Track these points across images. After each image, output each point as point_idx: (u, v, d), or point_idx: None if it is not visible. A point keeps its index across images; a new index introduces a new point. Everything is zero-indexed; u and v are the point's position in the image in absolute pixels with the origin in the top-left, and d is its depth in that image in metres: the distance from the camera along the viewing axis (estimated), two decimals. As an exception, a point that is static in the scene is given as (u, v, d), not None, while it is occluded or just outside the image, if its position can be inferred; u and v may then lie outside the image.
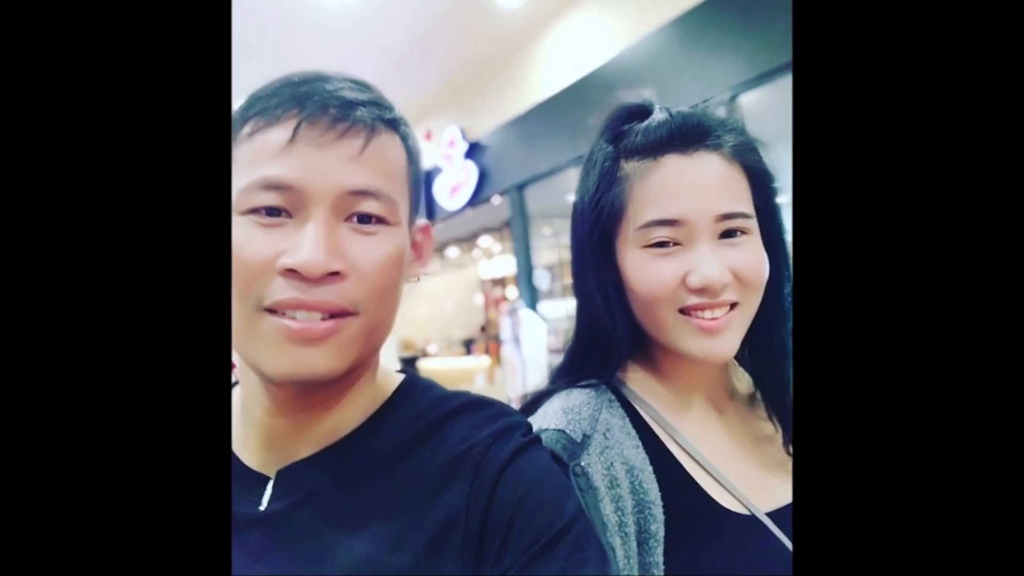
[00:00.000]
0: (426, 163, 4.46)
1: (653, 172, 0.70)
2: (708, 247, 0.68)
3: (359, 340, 0.56)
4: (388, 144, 0.58)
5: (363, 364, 0.60)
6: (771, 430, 0.79)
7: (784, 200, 0.74)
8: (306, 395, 0.59)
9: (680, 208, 0.68)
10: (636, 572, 0.62)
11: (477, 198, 5.23)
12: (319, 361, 0.54)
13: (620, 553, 0.61)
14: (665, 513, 0.65)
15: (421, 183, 0.66)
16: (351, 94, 0.57)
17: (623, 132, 0.74)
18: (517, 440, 0.59)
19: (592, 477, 0.64)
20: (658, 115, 0.73)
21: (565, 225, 0.80)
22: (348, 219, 0.55)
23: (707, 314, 0.68)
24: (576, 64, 4.08)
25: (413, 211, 0.64)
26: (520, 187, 4.73)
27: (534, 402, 0.76)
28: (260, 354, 0.54)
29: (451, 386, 0.68)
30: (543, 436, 0.66)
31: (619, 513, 0.63)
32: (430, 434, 0.61)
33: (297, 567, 0.55)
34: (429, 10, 4.17)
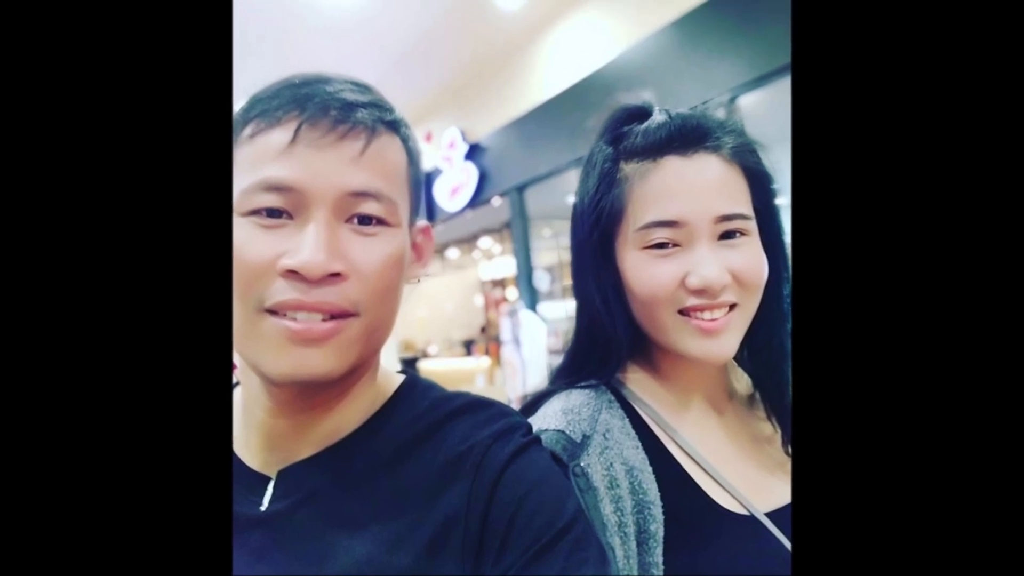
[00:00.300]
0: (426, 165, 4.46)
1: (653, 174, 0.70)
2: (707, 248, 0.68)
3: (360, 341, 0.56)
4: (388, 146, 0.58)
5: (364, 365, 0.60)
6: (770, 431, 0.79)
7: (783, 202, 0.74)
8: (307, 396, 0.59)
9: (679, 209, 0.68)
10: (636, 572, 0.62)
11: (477, 199, 5.23)
12: (320, 362, 0.54)
13: (620, 553, 0.61)
14: (664, 513, 0.65)
15: (421, 184, 0.66)
16: (352, 96, 0.57)
17: (623, 134, 0.74)
18: (517, 440, 0.60)
19: (592, 477, 0.64)
20: (658, 117, 0.73)
21: (565, 226, 0.80)
22: (349, 220, 0.56)
23: (706, 315, 0.69)
24: (576, 66, 4.08)
25: (413, 212, 0.64)
26: (520, 188, 4.74)
27: (534, 403, 0.76)
28: (261, 355, 0.55)
29: (451, 387, 0.68)
30: (543, 437, 0.66)
31: (619, 513, 0.63)
32: (430, 435, 0.61)
33: (298, 567, 0.55)
34: (429, 12, 4.18)
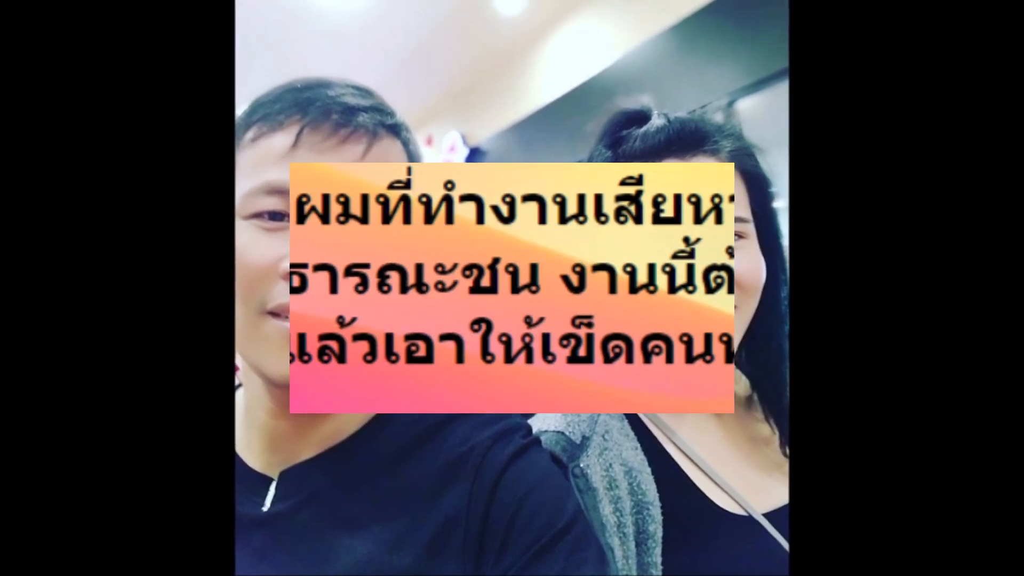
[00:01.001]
0: (426, 168, 4.45)
1: (651, 177, 0.70)
2: (706, 251, 0.68)
3: (361, 343, 0.57)
4: (390, 149, 0.59)
5: (365, 366, 0.61)
6: (768, 432, 0.79)
7: (781, 205, 0.75)
8: (308, 397, 0.59)
9: (678, 212, 0.68)
10: (634, 572, 0.62)
11: (477, 203, 5.23)
12: None
13: (619, 553, 0.62)
14: (663, 514, 0.65)
15: (422, 188, 0.66)
16: (353, 100, 0.57)
17: (622, 138, 0.74)
18: (517, 442, 0.60)
19: (591, 478, 0.64)
20: (656, 121, 0.74)
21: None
22: (350, 223, 0.56)
23: (705, 317, 0.69)
24: (575, 70, 4.09)
25: (414, 215, 0.64)
26: (520, 192, 4.73)
27: (534, 405, 0.76)
28: (263, 357, 0.55)
29: (451, 388, 0.68)
30: (543, 438, 0.66)
31: (618, 514, 0.63)
32: (431, 436, 0.61)
33: (300, 567, 0.55)
34: (430, 17, 4.19)
